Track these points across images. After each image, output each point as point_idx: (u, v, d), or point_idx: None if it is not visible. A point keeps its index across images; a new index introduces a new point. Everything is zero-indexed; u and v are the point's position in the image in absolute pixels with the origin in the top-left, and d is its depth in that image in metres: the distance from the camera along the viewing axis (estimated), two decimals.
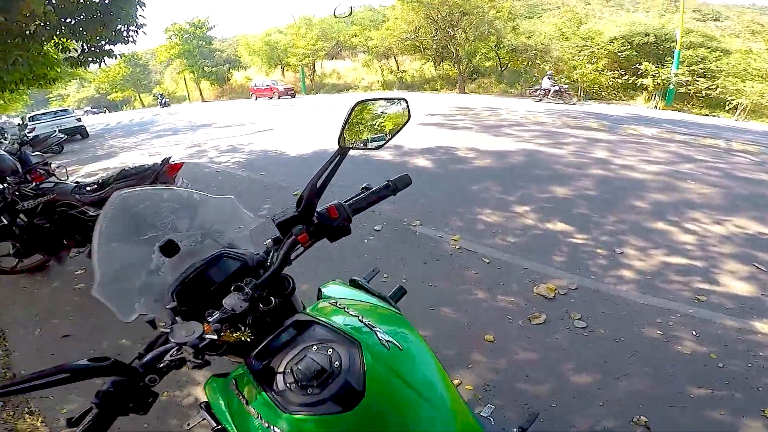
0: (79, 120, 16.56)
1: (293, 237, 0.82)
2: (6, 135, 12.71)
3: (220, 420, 0.76)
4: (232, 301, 0.69)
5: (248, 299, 0.69)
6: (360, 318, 0.76)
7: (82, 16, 5.13)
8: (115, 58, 6.26)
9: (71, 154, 12.45)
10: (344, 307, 0.80)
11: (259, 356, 0.73)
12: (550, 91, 15.54)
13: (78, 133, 15.89)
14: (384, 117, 1.03)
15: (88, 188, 3.57)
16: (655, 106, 15.55)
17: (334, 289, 0.94)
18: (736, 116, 13.74)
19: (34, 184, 3.64)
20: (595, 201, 4.36)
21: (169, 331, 0.63)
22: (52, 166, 6.31)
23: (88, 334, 2.79)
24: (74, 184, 3.62)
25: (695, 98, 15.47)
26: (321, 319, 0.76)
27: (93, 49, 5.70)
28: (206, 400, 0.82)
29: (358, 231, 3.77)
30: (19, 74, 4.36)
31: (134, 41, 6.05)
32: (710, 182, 4.98)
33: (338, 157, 0.88)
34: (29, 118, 16.51)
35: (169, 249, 0.84)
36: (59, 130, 13.39)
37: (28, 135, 12.63)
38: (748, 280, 2.79)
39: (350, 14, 10.38)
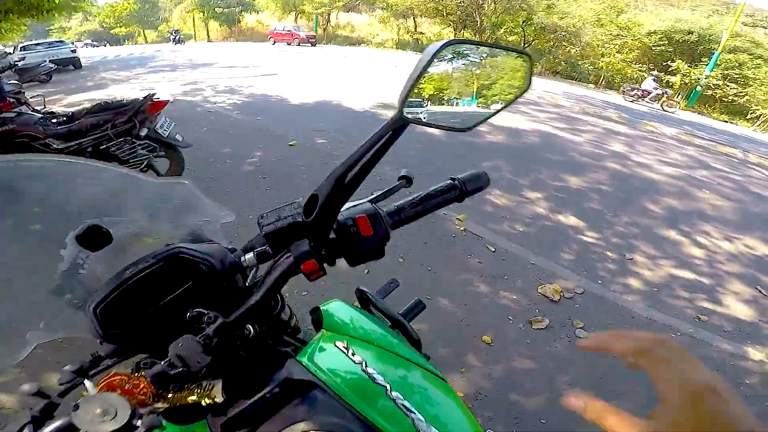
0: (73, 51, 16.09)
1: (292, 260, 0.49)
2: None
3: None
4: (185, 350, 0.43)
5: (210, 348, 0.44)
6: (384, 384, 0.52)
7: None
8: None
9: (59, 83, 11.80)
10: (355, 354, 0.55)
11: (231, 427, 0.49)
12: (650, 93, 13.50)
13: (71, 64, 15.45)
14: (489, 76, 0.57)
15: (54, 120, 3.24)
16: (676, 106, 15.21)
17: (338, 313, 0.65)
18: (754, 126, 13.35)
19: None
20: (609, 197, 4.07)
21: (72, 410, 0.38)
22: (27, 95, 5.85)
23: None
24: (40, 116, 3.28)
25: (718, 102, 15.10)
26: (323, 380, 0.52)
27: None
28: None
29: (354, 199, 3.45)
30: (9, 4, 3.76)
31: None
32: (724, 194, 4.83)
33: (390, 134, 0.47)
34: (21, 47, 16.25)
35: (93, 239, 0.55)
36: (50, 61, 12.92)
37: (17, 63, 12.05)
38: (750, 304, 2.72)
39: None
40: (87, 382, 0.44)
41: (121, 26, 39.81)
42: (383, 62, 14.01)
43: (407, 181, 0.66)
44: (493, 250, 2.84)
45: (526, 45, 21.02)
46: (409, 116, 0.46)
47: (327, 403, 0.50)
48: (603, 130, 7.35)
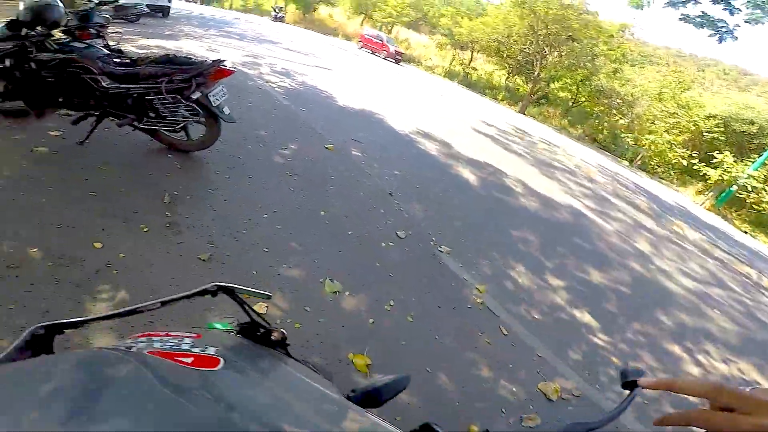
0: (169, 0, 16.55)
1: None
2: None
3: None
4: None
5: None
6: None
7: None
8: None
9: (143, 26, 12.11)
10: None
11: None
12: None
13: (161, 11, 15.89)
14: None
15: (117, 59, 3.24)
16: (703, 203, 14.52)
17: None
18: None
19: (67, 38, 3.30)
20: (626, 301, 3.94)
21: None
22: (109, 30, 5.99)
23: (6, 219, 2.14)
24: (106, 52, 3.28)
25: (745, 208, 14.01)
26: None
27: None
28: None
29: (378, 228, 3.38)
30: None
31: None
32: (732, 317, 4.78)
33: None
34: None
35: None
36: (147, 5, 13.52)
37: (118, 0, 12.60)
38: None
39: None
40: None
41: None
42: (430, 87, 14.11)
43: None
44: (506, 333, 2.68)
45: (574, 104, 20.82)
46: None
47: None
48: (631, 221, 7.20)
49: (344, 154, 4.73)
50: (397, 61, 20.97)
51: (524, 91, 20.58)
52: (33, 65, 3.03)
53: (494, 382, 2.22)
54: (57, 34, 3.26)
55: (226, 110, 3.34)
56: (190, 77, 3.09)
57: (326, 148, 4.71)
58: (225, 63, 3.27)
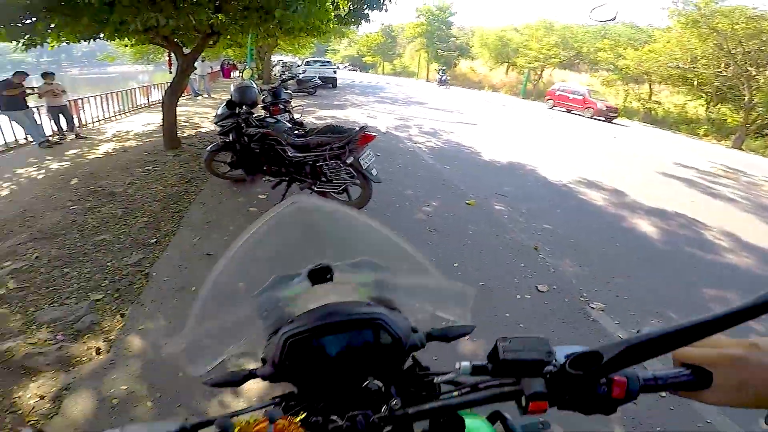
0: (334, 72, 20.26)
1: (516, 391, 0.47)
2: (284, 72, 16.63)
3: None
4: (359, 425, 0.48)
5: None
6: None
7: None
8: (370, 22, 6.95)
9: (318, 98, 14.99)
10: None
11: None
12: None
13: (330, 82, 19.39)
14: None
15: (296, 131, 4.04)
16: None
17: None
18: None
19: (264, 114, 4.36)
20: None
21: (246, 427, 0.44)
22: (293, 103, 7.57)
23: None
24: (289, 125, 4.15)
25: None
26: None
27: (356, 10, 6.38)
28: None
29: (515, 281, 3.15)
30: (298, 23, 5.08)
31: (386, 9, 6.57)
32: None
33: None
34: (305, 62, 21.16)
35: (319, 275, 0.66)
36: (319, 77, 16.93)
37: (299, 75, 16.30)
38: None
39: (614, 18, 8.84)
40: (265, 414, 0.46)
41: (369, 56, 48.49)
42: (598, 130, 12.73)
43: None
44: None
45: None
46: None
47: None
48: None
49: (485, 209, 4.64)
50: (609, 120, 16.74)
51: (735, 122, 16.39)
52: (245, 139, 4.04)
53: None
54: (257, 111, 4.36)
55: (374, 171, 3.73)
56: (344, 144, 3.61)
57: (467, 203, 4.72)
58: (368, 128, 3.73)
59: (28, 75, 6.91)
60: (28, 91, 6.68)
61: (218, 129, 4.28)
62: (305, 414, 0.50)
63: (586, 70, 28.31)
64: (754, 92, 15.16)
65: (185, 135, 7.38)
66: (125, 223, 3.76)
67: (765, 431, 0.47)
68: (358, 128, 3.74)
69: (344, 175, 3.65)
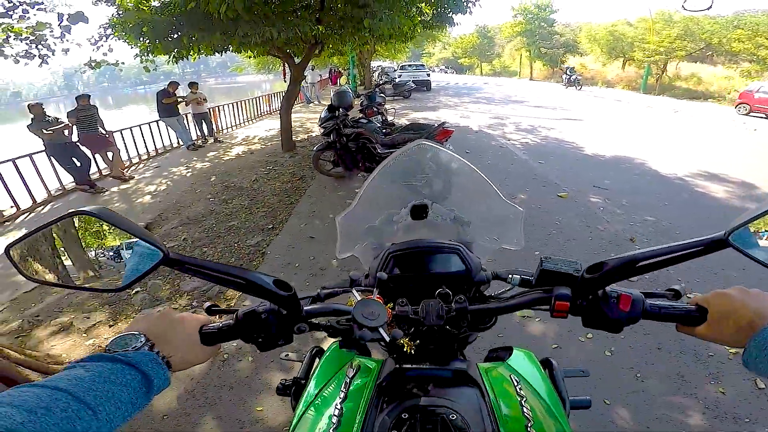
0: (428, 75, 20.63)
1: (548, 296, 0.60)
2: (381, 78, 17.53)
3: (312, 377, 0.73)
4: (431, 310, 0.62)
5: (445, 319, 0.62)
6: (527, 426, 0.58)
7: None
8: (455, 25, 7.07)
9: (413, 100, 15.48)
10: (523, 398, 0.62)
11: (398, 375, 0.65)
12: None
13: (425, 85, 19.81)
14: None
15: (384, 130, 4.45)
16: None
17: (522, 361, 0.74)
18: None
19: (359, 116, 4.87)
20: None
21: (354, 301, 0.60)
22: (387, 107, 8.07)
23: (326, 244, 3.62)
24: (379, 125, 4.58)
25: None
26: (489, 393, 0.62)
27: (440, 14, 6.57)
28: (323, 350, 0.81)
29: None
30: (385, 30, 5.49)
31: (471, 12, 6.59)
32: None
33: (702, 249, 0.52)
34: (400, 67, 21.90)
35: (418, 212, 0.87)
36: (413, 81, 17.45)
37: (395, 79, 17.08)
38: None
39: (709, 8, 7.42)
40: (354, 291, 0.63)
41: (465, 57, 47.89)
42: (733, 123, 10.83)
43: (675, 293, 0.64)
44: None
45: None
46: (735, 243, 0.49)
47: (483, 407, 0.59)
48: None
49: (578, 201, 4.47)
50: None
51: None
52: (344, 138, 4.59)
53: None
54: (355, 113, 4.87)
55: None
56: (424, 139, 3.89)
57: (559, 196, 4.60)
58: (447, 123, 3.94)
59: (179, 84, 8.30)
60: (179, 99, 8.06)
61: (322, 131, 4.92)
62: (392, 303, 0.63)
63: (722, 62, 24.30)
64: None
65: (299, 139, 8.38)
66: (250, 212, 4.56)
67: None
68: (437, 124, 3.99)
69: None
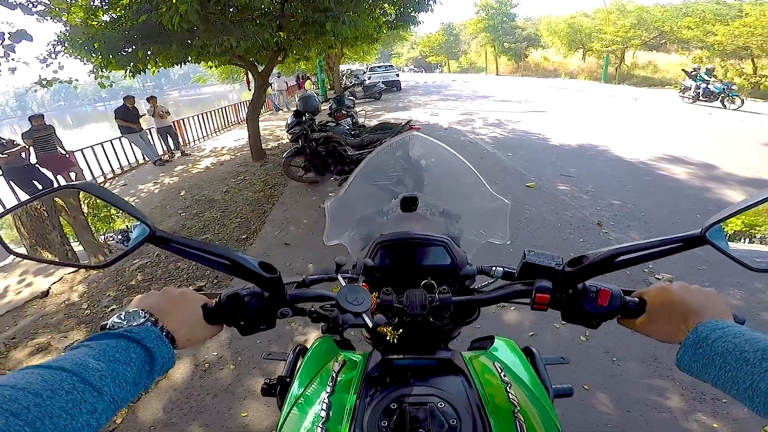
0: (397, 75, 20.78)
1: (529, 289, 0.63)
2: (352, 80, 17.51)
3: (296, 375, 0.73)
4: (415, 299, 0.63)
5: (428, 309, 0.62)
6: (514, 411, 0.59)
7: None
8: (418, 24, 7.13)
9: (383, 101, 15.54)
10: (507, 385, 0.63)
11: (384, 365, 0.66)
12: None
13: (395, 86, 19.92)
14: None
15: (353, 132, 4.46)
16: None
17: (504, 349, 0.76)
18: None
19: (328, 120, 4.86)
20: None
21: (338, 286, 0.61)
22: (357, 109, 8.07)
23: (301, 249, 3.63)
24: (348, 128, 4.59)
25: None
26: (474, 381, 0.63)
27: (403, 14, 6.60)
28: (306, 349, 0.81)
29: (571, 254, 3.12)
30: (349, 32, 5.39)
31: (432, 10, 6.66)
32: None
33: (681, 245, 0.54)
34: (369, 68, 21.90)
35: (408, 204, 0.88)
36: (383, 82, 17.49)
37: (365, 81, 17.06)
38: None
39: None
40: (340, 277, 0.64)
41: (433, 55, 48.49)
42: (689, 109, 11.38)
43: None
44: None
45: None
46: (712, 240, 0.50)
47: (471, 392, 0.60)
48: None
49: (546, 190, 4.61)
50: None
51: None
52: (312, 143, 4.57)
53: None
54: (324, 118, 4.84)
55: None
56: (392, 137, 3.94)
57: (527, 186, 4.73)
58: (412, 121, 4.02)
59: (135, 98, 7.97)
60: (141, 114, 7.80)
61: (290, 137, 4.89)
62: (377, 292, 0.64)
63: (675, 49, 25.45)
64: None
65: (269, 147, 8.28)
66: (222, 224, 4.49)
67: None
68: (403, 122, 4.04)
69: None
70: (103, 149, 7.54)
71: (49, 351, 2.60)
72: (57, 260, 0.58)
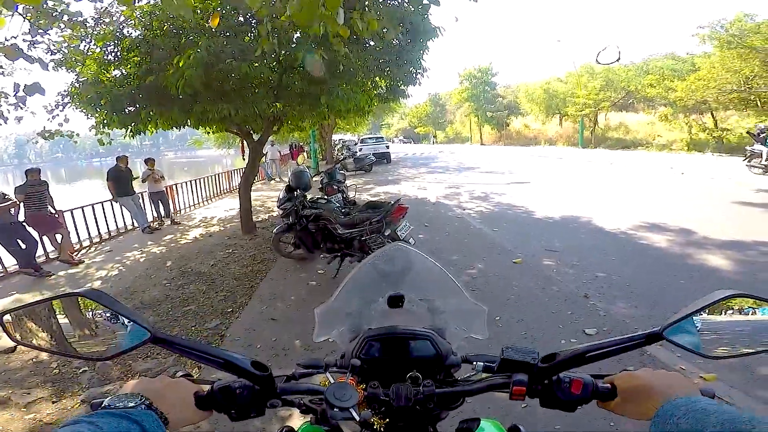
0: (387, 147, 21.45)
1: (507, 381, 0.67)
2: (343, 152, 18.10)
3: None
4: (401, 392, 0.66)
5: (413, 403, 0.66)
6: None
7: (385, 59, 6.28)
8: (407, 97, 7.58)
9: (374, 174, 16.09)
10: None
11: None
12: None
13: (385, 158, 20.45)
14: None
15: (343, 210, 4.55)
16: None
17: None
18: None
19: (319, 196, 4.98)
20: None
21: (328, 382, 0.65)
22: (348, 183, 8.24)
23: (288, 326, 3.60)
24: (338, 205, 4.69)
25: None
26: None
27: (393, 87, 7.05)
28: (294, 430, 0.82)
29: (561, 327, 3.12)
30: (343, 105, 5.66)
31: (420, 83, 7.13)
32: None
33: (641, 342, 0.63)
34: (360, 140, 22.48)
35: (394, 301, 0.94)
36: (373, 154, 18.03)
37: (356, 153, 17.57)
38: None
39: (617, 60, 8.93)
40: (328, 374, 0.69)
41: (421, 126, 50.80)
42: (664, 169, 11.94)
43: None
44: None
45: None
46: (669, 337, 0.60)
47: None
48: None
49: (532, 266, 4.68)
50: None
51: None
52: (303, 220, 4.63)
53: None
54: (315, 192, 4.92)
55: (411, 241, 4.10)
56: (381, 218, 4.03)
57: (514, 262, 4.80)
58: (401, 201, 4.14)
59: (128, 157, 8.04)
60: (135, 176, 7.79)
61: (281, 212, 4.97)
62: (365, 384, 0.68)
63: (642, 108, 26.96)
64: None
65: (259, 219, 8.36)
66: (208, 296, 4.41)
67: None
68: (392, 202, 4.17)
69: None
70: (93, 211, 7.52)
71: (8, 406, 2.64)
72: (58, 350, 0.66)
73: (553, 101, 28.89)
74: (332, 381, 0.64)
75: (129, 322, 0.60)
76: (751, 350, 0.61)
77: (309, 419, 0.75)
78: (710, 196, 7.82)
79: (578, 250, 5.12)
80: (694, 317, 0.60)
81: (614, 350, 0.62)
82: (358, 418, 0.60)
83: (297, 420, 2.20)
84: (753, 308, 0.62)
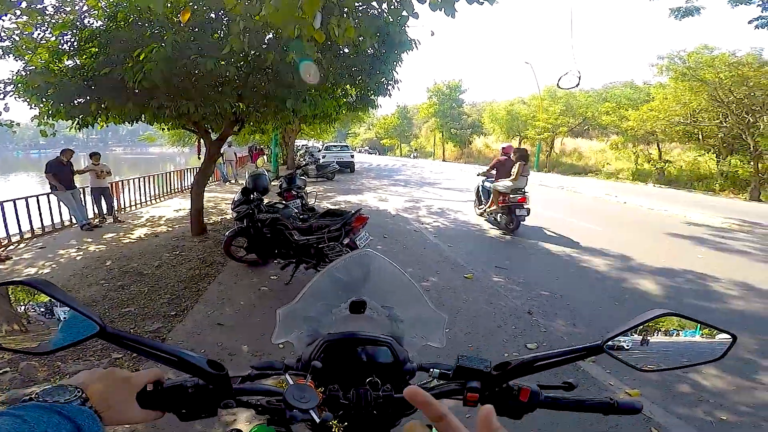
0: (352, 156, 21.42)
1: (461, 388, 0.71)
2: (305, 158, 17.90)
3: None
4: (360, 396, 0.68)
5: (372, 407, 0.68)
6: None
7: (357, 67, 6.25)
8: (376, 108, 7.61)
9: (336, 182, 15.99)
10: None
11: None
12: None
13: (348, 167, 20.34)
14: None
15: (301, 216, 4.50)
16: None
17: None
18: None
19: (277, 201, 4.89)
20: None
21: (286, 384, 0.64)
22: (309, 189, 8.19)
23: (235, 330, 3.52)
24: (296, 211, 4.63)
25: None
26: None
27: (363, 96, 7.06)
28: None
29: (504, 341, 3.26)
30: (309, 110, 5.59)
31: (390, 95, 7.20)
32: None
33: (582, 354, 0.68)
34: (325, 147, 22.19)
35: (356, 306, 0.94)
36: (337, 162, 17.90)
37: (319, 159, 17.35)
38: None
39: (577, 86, 9.63)
40: (287, 376, 0.68)
41: (387, 138, 50.99)
42: (609, 197, 12.79)
43: (569, 386, 0.76)
44: None
45: None
46: (608, 350, 0.65)
47: None
48: None
49: (482, 281, 4.86)
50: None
51: (746, 173, 15.27)
52: (258, 224, 4.52)
53: None
54: (272, 197, 4.80)
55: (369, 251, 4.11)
56: (341, 226, 4.04)
57: (465, 277, 4.96)
58: (362, 211, 4.16)
59: (74, 152, 7.59)
60: (77, 169, 7.32)
61: (234, 215, 4.82)
62: (324, 389, 0.69)
63: (597, 135, 27.69)
64: (757, 139, 14.43)
65: (211, 221, 8.02)
66: (150, 299, 4.18)
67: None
68: (353, 211, 4.19)
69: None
70: (27, 204, 6.93)
71: None
72: None
73: (515, 123, 29.47)
74: (291, 383, 0.64)
75: (76, 314, 0.56)
76: (675, 366, 0.68)
77: (263, 420, 0.75)
78: (645, 227, 8.52)
79: (525, 269, 5.38)
80: (630, 334, 0.66)
81: (560, 360, 0.67)
82: (318, 420, 0.59)
83: (242, 424, 2.16)
84: (677, 330, 0.68)
